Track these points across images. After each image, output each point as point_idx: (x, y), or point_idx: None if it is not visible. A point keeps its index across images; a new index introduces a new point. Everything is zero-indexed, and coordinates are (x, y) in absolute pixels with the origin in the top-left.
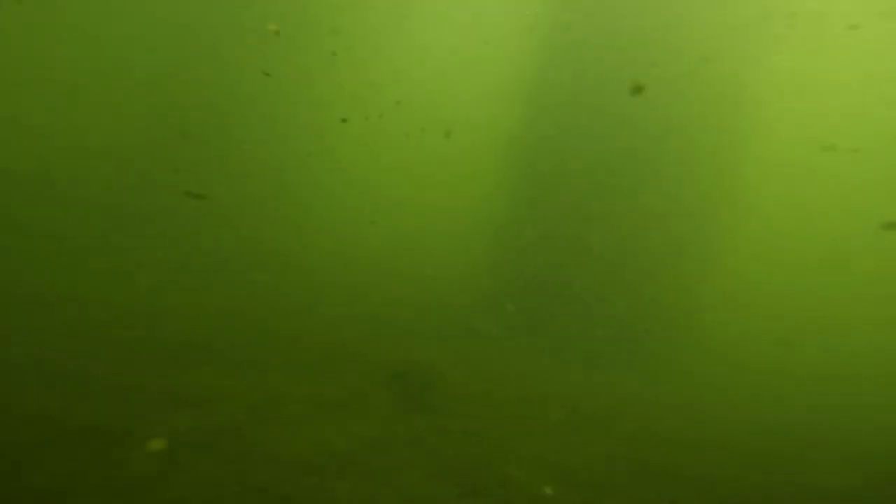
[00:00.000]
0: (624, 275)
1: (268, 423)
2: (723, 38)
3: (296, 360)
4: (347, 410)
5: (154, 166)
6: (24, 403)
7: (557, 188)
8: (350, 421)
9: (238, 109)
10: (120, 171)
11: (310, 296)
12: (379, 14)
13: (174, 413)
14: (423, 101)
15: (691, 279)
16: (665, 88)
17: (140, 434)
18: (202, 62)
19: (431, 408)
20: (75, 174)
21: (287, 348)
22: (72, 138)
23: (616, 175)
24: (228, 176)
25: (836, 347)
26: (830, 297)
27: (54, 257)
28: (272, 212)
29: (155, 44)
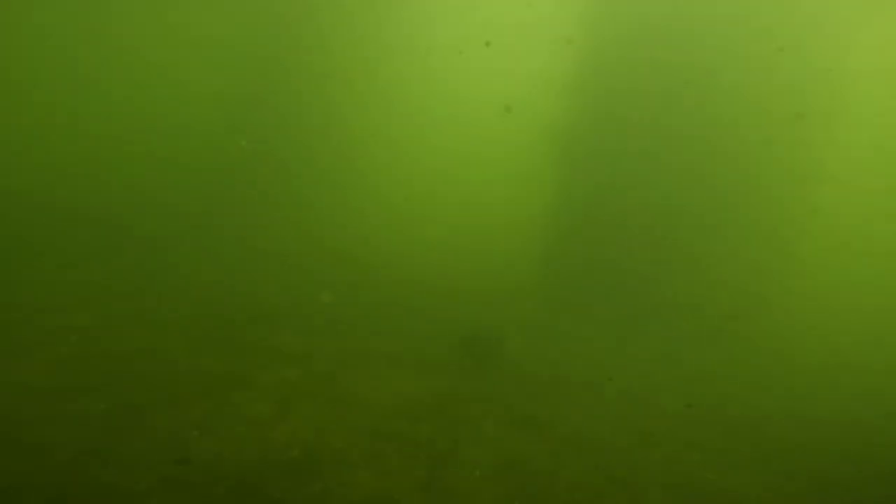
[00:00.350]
0: (680, 247)
1: (356, 375)
2: None
3: (376, 324)
4: (424, 366)
5: None
6: (177, 355)
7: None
8: (427, 375)
9: None
10: None
11: (386, 264)
12: None
13: (287, 367)
14: None
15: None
16: None
17: (259, 381)
18: None
19: (502, 366)
20: None
21: (367, 313)
22: None
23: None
24: None
25: None
26: None
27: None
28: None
29: None
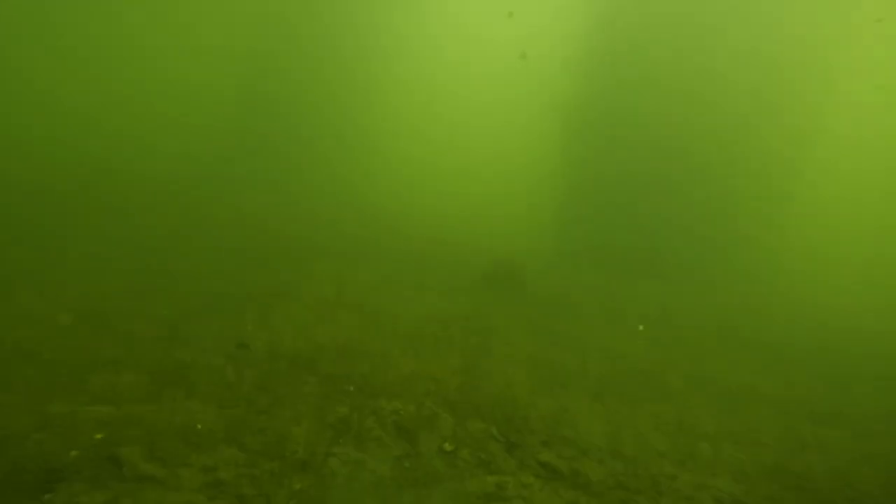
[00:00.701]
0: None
1: (386, 297)
2: None
3: (403, 256)
4: (449, 291)
5: None
6: (226, 273)
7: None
8: (454, 297)
9: None
10: None
11: (414, 200)
12: None
13: (323, 286)
14: None
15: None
16: None
17: (299, 295)
18: None
19: (521, 287)
20: None
21: (395, 246)
22: None
23: None
24: None
25: None
26: None
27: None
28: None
29: None
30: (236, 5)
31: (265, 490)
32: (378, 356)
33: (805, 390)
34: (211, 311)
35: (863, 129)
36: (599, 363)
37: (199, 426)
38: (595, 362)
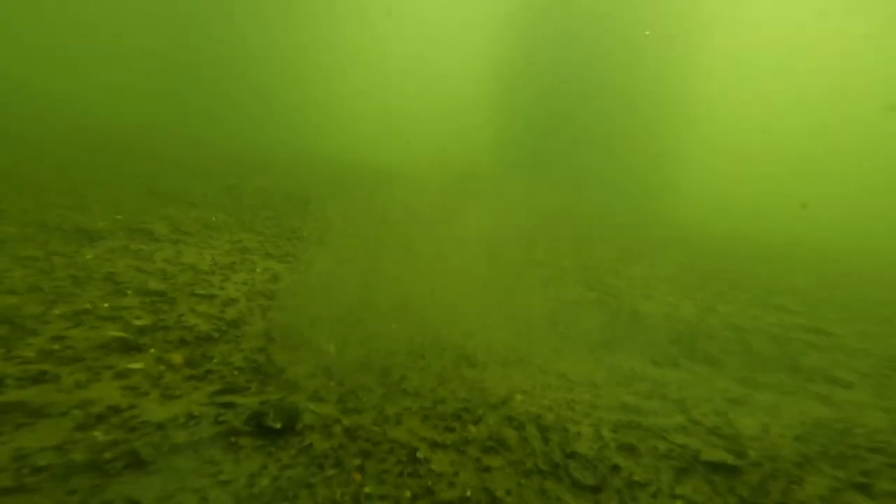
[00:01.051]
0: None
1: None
2: None
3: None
4: (420, 182)
5: None
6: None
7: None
8: (424, 189)
9: None
10: None
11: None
12: None
13: (296, 184)
14: None
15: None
16: None
17: (273, 173)
18: None
19: (475, 180)
20: None
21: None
22: None
23: None
24: None
25: None
26: None
27: None
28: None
29: None
30: None
31: (291, 252)
32: (366, 193)
33: (697, 241)
34: (189, 176)
35: (759, 55)
36: (552, 222)
37: (214, 219)
38: (548, 223)
